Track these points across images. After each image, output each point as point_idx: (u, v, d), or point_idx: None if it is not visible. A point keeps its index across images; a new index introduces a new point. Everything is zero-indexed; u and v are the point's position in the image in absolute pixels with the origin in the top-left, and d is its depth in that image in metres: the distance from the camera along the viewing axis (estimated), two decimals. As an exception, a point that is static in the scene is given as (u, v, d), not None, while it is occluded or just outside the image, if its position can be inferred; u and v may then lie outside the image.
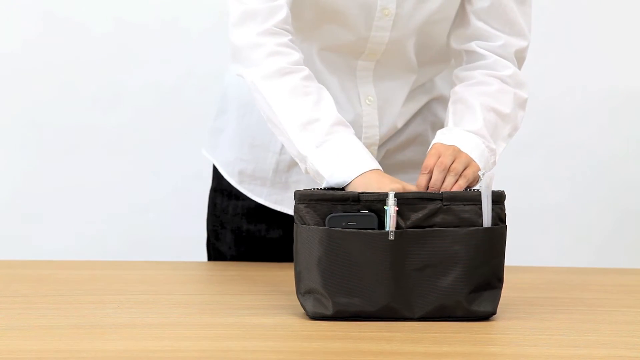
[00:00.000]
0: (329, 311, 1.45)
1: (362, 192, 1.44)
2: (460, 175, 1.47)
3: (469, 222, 1.44)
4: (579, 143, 2.79)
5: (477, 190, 1.45)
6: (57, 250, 2.75)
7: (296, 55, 1.57)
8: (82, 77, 2.73)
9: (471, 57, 1.71)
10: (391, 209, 1.42)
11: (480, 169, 1.52)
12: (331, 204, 1.43)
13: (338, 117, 1.54)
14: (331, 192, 1.43)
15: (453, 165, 1.45)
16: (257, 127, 1.83)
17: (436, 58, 1.75)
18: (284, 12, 1.57)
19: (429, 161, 1.48)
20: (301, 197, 1.44)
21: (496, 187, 1.47)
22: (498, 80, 1.66)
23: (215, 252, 1.98)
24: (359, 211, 1.43)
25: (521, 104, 1.66)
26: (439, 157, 1.47)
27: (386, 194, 1.42)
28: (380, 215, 1.43)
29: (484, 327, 1.46)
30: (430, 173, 1.48)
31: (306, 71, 1.56)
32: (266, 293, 1.67)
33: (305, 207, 1.44)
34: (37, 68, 2.72)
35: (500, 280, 1.48)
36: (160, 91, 2.74)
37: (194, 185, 2.70)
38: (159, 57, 2.73)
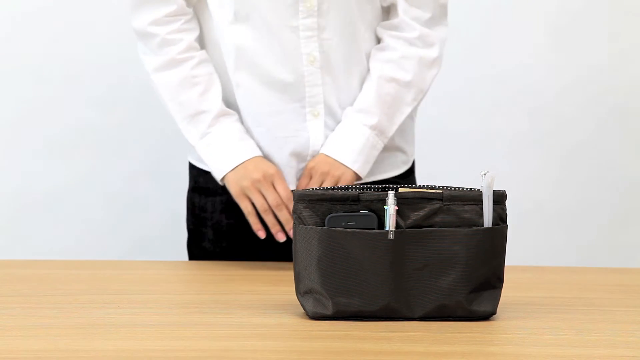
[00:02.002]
0: (329, 311, 1.45)
1: (362, 192, 1.44)
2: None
3: (470, 222, 1.44)
4: (579, 142, 2.79)
5: (478, 189, 1.45)
6: (57, 250, 2.75)
7: (187, 40, 1.62)
8: (80, 77, 2.72)
9: (391, 11, 1.71)
10: (391, 208, 1.42)
11: (355, 174, 1.62)
12: (330, 203, 1.43)
13: (222, 108, 1.62)
14: (330, 191, 1.43)
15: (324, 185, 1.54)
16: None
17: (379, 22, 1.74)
18: (174, 5, 1.62)
19: (302, 182, 1.60)
20: (300, 197, 1.44)
21: (496, 187, 1.47)
22: (404, 43, 1.67)
23: (198, 250, 1.98)
24: (358, 211, 1.43)
25: (429, 63, 1.68)
26: (311, 179, 1.58)
27: (386, 194, 1.43)
28: (380, 215, 1.43)
29: (484, 327, 1.46)
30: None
31: (196, 58, 1.63)
32: (266, 293, 1.67)
33: (304, 207, 1.44)
34: (36, 66, 2.72)
35: (500, 280, 1.48)
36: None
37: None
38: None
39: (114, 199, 2.78)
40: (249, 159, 1.63)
